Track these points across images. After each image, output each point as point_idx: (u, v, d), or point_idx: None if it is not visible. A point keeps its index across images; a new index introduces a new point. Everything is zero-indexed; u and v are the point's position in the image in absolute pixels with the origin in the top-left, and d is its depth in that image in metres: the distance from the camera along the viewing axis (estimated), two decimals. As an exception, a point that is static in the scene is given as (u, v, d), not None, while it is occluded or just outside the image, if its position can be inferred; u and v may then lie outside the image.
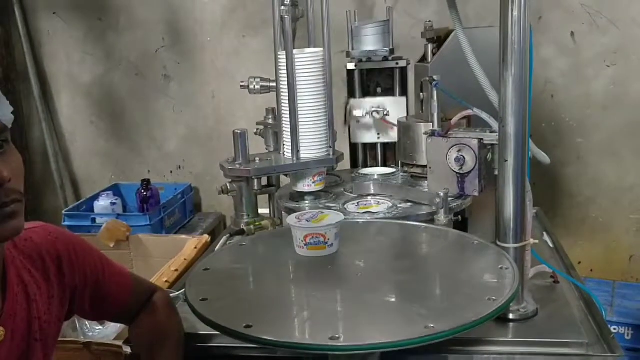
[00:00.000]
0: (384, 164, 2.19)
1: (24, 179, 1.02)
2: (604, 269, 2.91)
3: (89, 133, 3.35)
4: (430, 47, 1.93)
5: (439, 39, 1.94)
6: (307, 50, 1.85)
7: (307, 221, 1.40)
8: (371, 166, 2.19)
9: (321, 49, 1.82)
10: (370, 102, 2.13)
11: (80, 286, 1.19)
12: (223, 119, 3.17)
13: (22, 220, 1.00)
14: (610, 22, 2.73)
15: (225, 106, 3.16)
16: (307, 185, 1.83)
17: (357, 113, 2.11)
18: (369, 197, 1.84)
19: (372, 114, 2.10)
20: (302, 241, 1.37)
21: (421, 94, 1.90)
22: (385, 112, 2.09)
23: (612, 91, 2.79)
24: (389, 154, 2.18)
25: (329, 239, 1.38)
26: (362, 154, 2.21)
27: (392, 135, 2.09)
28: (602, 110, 2.82)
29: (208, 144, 3.22)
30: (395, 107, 2.11)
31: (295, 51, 1.77)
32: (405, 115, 2.10)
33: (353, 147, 2.21)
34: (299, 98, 1.79)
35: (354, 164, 2.21)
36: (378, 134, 2.14)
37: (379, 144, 2.18)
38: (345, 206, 1.78)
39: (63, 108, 3.34)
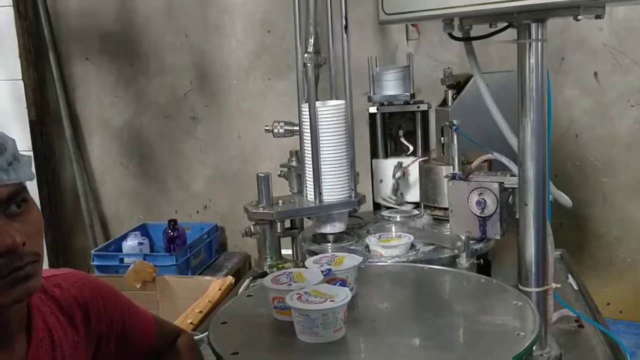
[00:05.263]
0: (406, 206, 2.20)
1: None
2: (634, 310, 2.85)
3: (119, 174, 3.42)
4: (450, 93, 1.96)
5: (458, 84, 1.97)
6: (330, 102, 1.91)
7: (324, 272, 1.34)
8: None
9: (343, 102, 1.87)
10: (393, 163, 2.15)
11: (105, 333, 1.21)
12: (249, 160, 3.22)
13: (37, 280, 1.00)
14: (634, 62, 2.74)
15: (251, 147, 3.21)
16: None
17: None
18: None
19: (394, 175, 2.12)
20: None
21: (442, 137, 1.92)
22: (405, 169, 2.11)
23: (637, 131, 2.78)
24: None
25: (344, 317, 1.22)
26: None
27: (414, 194, 2.10)
28: (627, 150, 2.80)
29: (234, 184, 3.27)
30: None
31: (317, 104, 1.82)
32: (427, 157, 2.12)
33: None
34: (321, 146, 1.83)
35: (376, 205, 2.22)
36: (401, 193, 2.16)
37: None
38: (367, 239, 1.79)
39: (94, 149, 3.43)
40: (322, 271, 1.35)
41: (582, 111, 2.82)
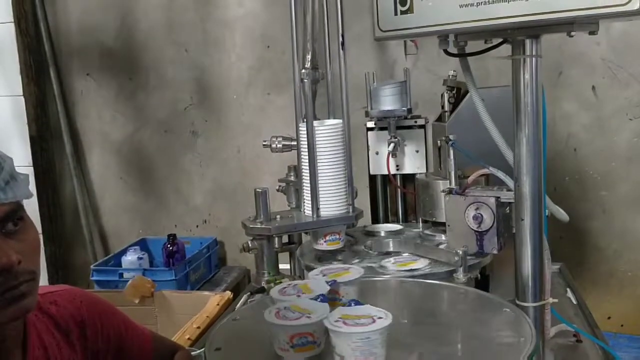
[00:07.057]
0: (405, 220, 2.20)
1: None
2: (636, 324, 2.84)
3: (118, 188, 3.43)
4: (447, 95, 1.97)
5: (458, 91, 1.98)
6: (327, 122, 1.92)
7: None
8: (392, 222, 2.21)
9: (340, 121, 1.88)
10: (386, 136, 2.18)
11: (102, 350, 1.21)
12: (248, 174, 3.23)
13: (33, 298, 1.01)
14: (632, 76, 2.74)
15: (251, 161, 3.22)
16: (319, 244, 1.87)
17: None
18: (404, 254, 1.82)
19: (389, 145, 2.15)
20: (288, 343, 1.12)
21: (439, 151, 1.93)
22: (404, 142, 2.16)
23: (636, 144, 2.78)
24: (409, 209, 2.20)
25: (318, 338, 1.14)
26: (383, 210, 2.24)
27: (409, 167, 2.15)
28: (626, 163, 2.80)
29: (233, 198, 3.27)
30: (412, 138, 2.18)
31: (315, 123, 1.84)
32: (425, 172, 2.12)
33: (373, 202, 2.24)
34: (319, 163, 1.84)
35: (375, 219, 2.22)
36: (397, 166, 2.19)
37: (400, 199, 2.20)
38: (382, 263, 1.76)
39: (94, 165, 3.44)
40: (327, 282, 1.32)
41: (580, 125, 2.82)
